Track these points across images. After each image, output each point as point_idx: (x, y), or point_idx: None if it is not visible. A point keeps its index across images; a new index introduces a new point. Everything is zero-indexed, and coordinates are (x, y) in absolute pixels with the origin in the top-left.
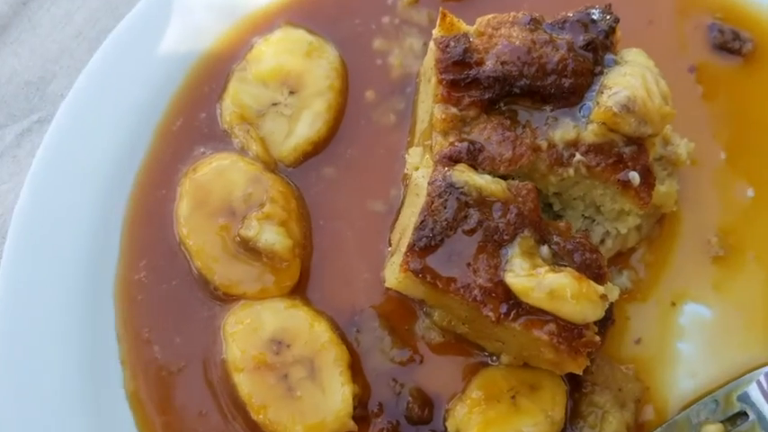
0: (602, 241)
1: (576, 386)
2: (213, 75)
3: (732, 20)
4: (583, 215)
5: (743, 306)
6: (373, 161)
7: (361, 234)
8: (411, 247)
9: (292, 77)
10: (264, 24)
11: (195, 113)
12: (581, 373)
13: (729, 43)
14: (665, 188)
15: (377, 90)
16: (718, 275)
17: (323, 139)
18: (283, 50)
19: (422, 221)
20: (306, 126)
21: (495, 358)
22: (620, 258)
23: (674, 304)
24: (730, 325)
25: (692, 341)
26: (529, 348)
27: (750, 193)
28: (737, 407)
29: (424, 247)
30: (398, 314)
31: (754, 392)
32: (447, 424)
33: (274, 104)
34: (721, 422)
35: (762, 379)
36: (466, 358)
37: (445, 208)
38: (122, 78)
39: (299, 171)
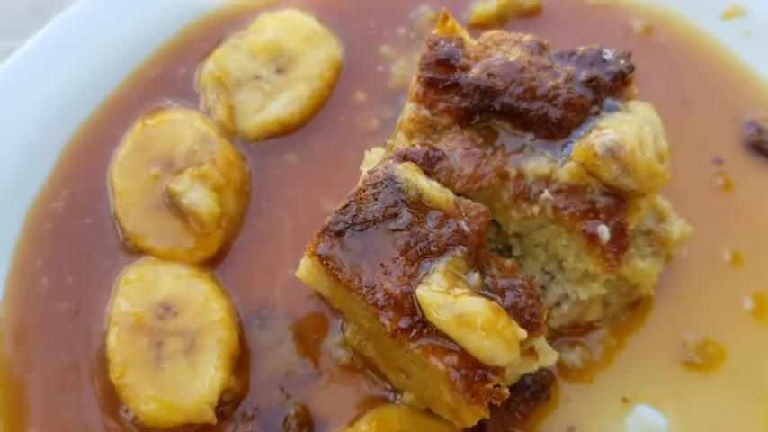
0: (559, 304)
1: None
2: (208, 35)
3: None
4: (543, 269)
5: (702, 423)
6: (340, 161)
7: (301, 229)
8: (325, 229)
9: (285, 56)
10: (278, 3)
11: (175, 67)
12: (475, 424)
13: (765, 145)
14: (645, 265)
15: (369, 93)
16: (684, 383)
17: (294, 124)
18: (285, 28)
19: (345, 206)
20: (281, 106)
21: (398, 396)
22: (577, 332)
23: (625, 401)
24: None
25: None
26: (431, 387)
27: (748, 305)
28: None
29: (338, 231)
30: (311, 321)
31: None
32: None
33: (257, 78)
34: None
35: None
36: (368, 388)
37: (376, 200)
38: (120, 13)
39: (258, 149)
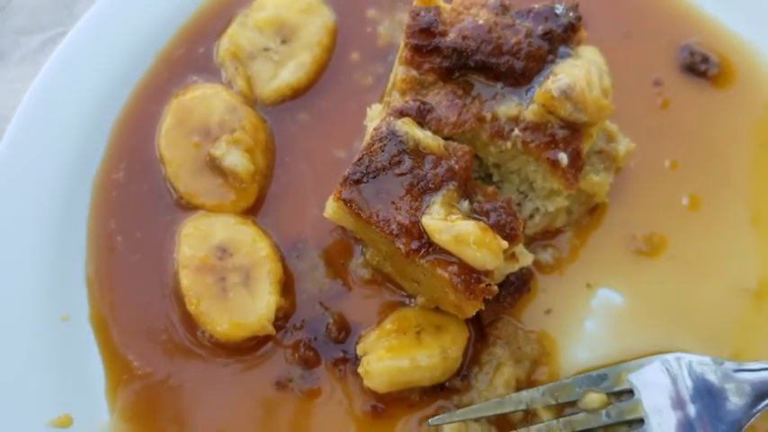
0: (532, 216)
1: (481, 338)
2: (219, 15)
3: (707, 44)
4: (518, 189)
5: (651, 298)
6: (344, 114)
7: (320, 175)
8: (346, 179)
9: (287, 28)
10: None
11: (195, 46)
12: (474, 315)
13: (697, 65)
14: (598, 179)
15: (362, 53)
16: (635, 268)
17: (302, 87)
18: (283, 3)
19: (359, 158)
20: (290, 73)
21: (412, 300)
22: (548, 236)
23: (589, 286)
24: (637, 313)
25: (598, 321)
26: (438, 290)
27: (685, 201)
28: (626, 384)
29: (357, 180)
30: (337, 249)
31: (648, 374)
32: (357, 347)
33: (266, 49)
34: (606, 394)
35: (658, 364)
36: (388, 296)
37: (383, 151)
38: (138, 6)
39: (275, 111)
